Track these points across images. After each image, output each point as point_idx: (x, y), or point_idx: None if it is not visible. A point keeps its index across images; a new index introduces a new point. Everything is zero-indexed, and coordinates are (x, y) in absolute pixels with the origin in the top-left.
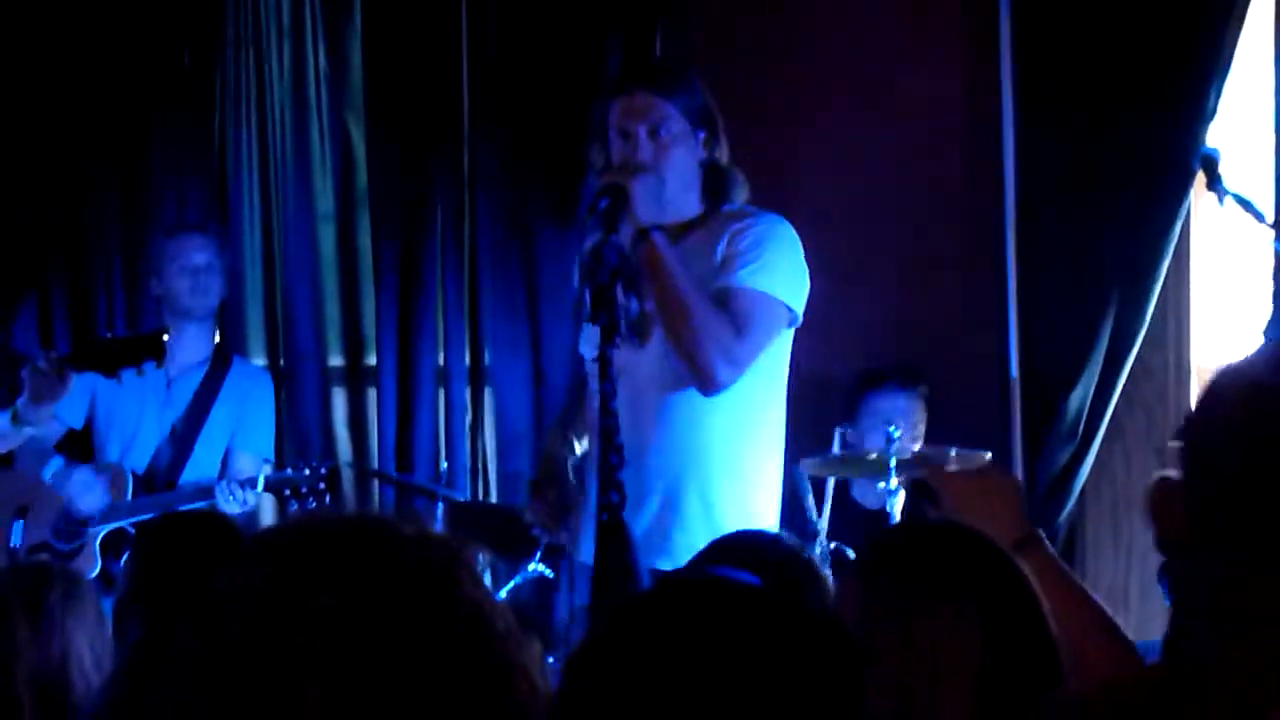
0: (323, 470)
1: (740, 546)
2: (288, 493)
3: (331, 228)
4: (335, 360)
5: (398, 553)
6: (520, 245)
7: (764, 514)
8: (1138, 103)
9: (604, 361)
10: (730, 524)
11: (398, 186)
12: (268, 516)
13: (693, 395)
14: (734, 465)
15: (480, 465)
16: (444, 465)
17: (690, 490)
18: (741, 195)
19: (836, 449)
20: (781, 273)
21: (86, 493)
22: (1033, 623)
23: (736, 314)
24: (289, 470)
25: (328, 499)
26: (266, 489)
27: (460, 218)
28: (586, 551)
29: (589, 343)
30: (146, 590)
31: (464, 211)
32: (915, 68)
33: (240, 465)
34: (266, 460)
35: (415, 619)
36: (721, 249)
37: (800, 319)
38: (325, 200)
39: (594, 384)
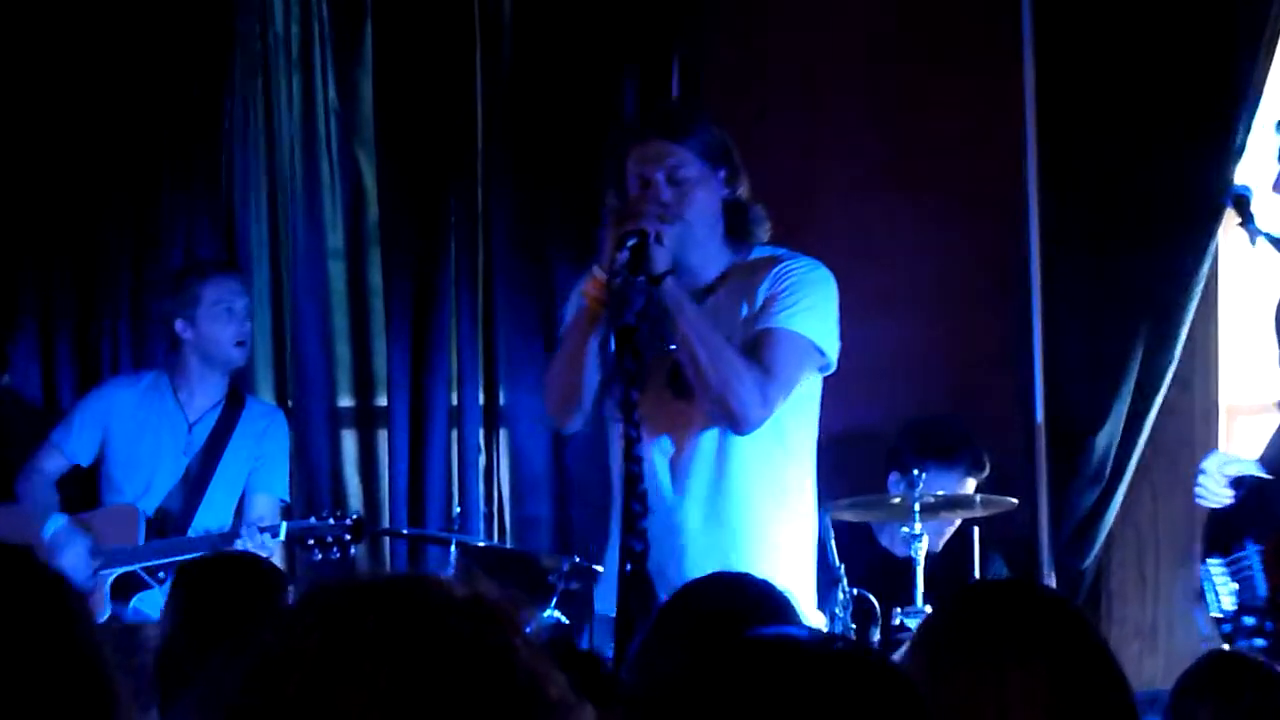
0: (348, 521)
1: (712, 588)
2: (310, 542)
3: (341, 264)
4: (345, 401)
5: (453, 618)
6: (536, 281)
7: (799, 559)
8: (1165, 139)
9: (627, 405)
10: (765, 566)
11: (409, 222)
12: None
13: (724, 439)
14: (765, 514)
15: (495, 509)
16: (457, 510)
17: (721, 534)
18: (764, 231)
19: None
20: (816, 315)
21: (75, 567)
22: (1109, 690)
23: (766, 353)
24: (313, 519)
25: (352, 550)
26: (290, 538)
27: (474, 253)
28: (607, 602)
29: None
30: (194, 636)
31: (478, 247)
32: (939, 104)
33: (257, 508)
34: (283, 501)
35: (471, 687)
36: (762, 294)
37: (833, 365)
38: (335, 236)
39: (617, 428)
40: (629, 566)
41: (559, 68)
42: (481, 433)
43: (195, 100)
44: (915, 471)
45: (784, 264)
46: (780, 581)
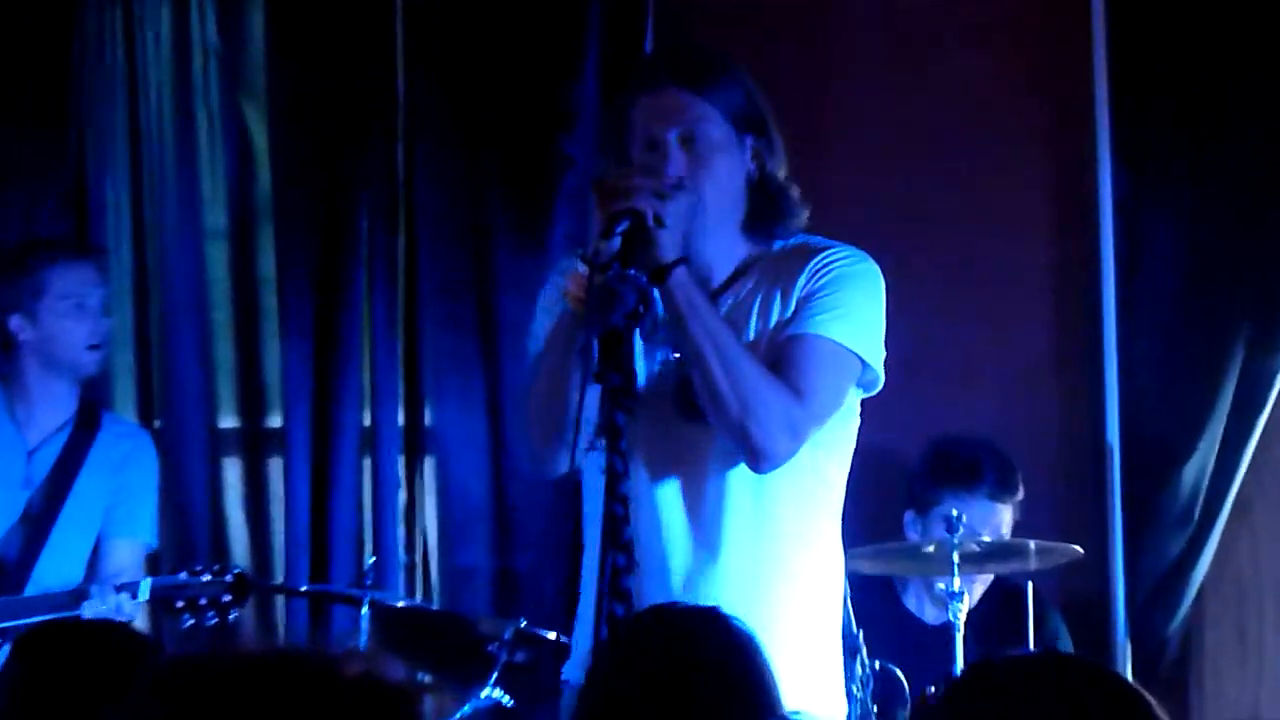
0: (227, 577)
1: (670, 622)
2: (180, 604)
3: (223, 248)
4: (228, 421)
5: (332, 708)
6: (472, 268)
7: (830, 635)
8: (1259, 94)
9: (611, 431)
10: (788, 645)
11: (310, 193)
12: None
13: (737, 476)
14: (792, 569)
15: (420, 559)
16: (371, 559)
17: (743, 600)
18: (798, 224)
19: (912, 536)
20: (862, 321)
21: None
22: None
23: (798, 367)
24: (183, 575)
25: (233, 615)
26: (153, 599)
27: (393, 235)
28: (579, 671)
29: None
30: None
31: (398, 225)
32: (986, 55)
33: (116, 558)
34: (148, 547)
35: None
36: (796, 294)
37: (880, 382)
38: (215, 212)
39: (598, 460)
40: (606, 633)
41: (507, 3)
42: (402, 461)
43: (31, 32)
44: (951, 511)
45: (823, 255)
46: (812, 663)
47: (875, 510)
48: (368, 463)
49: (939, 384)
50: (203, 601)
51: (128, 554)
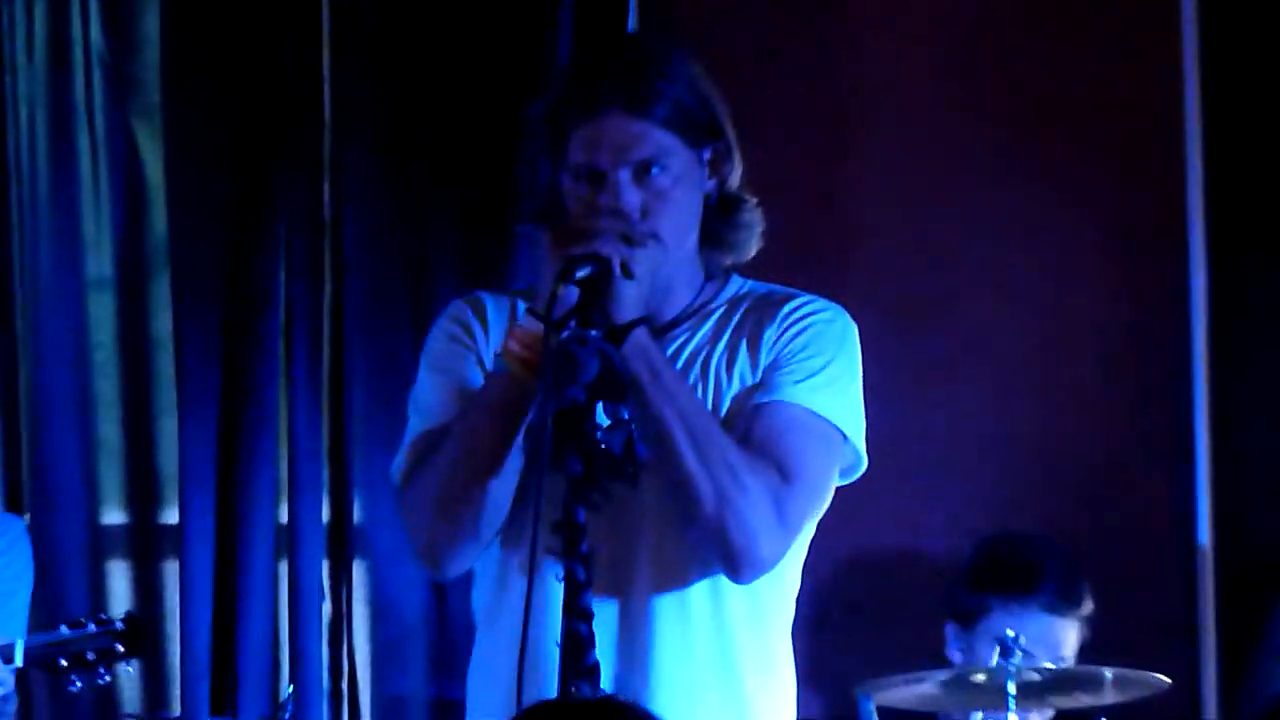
0: (116, 625)
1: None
2: (64, 663)
3: (108, 300)
4: (112, 516)
5: None
6: (413, 323)
7: None
8: None
9: (571, 531)
10: None
11: (216, 234)
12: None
13: (712, 584)
14: (762, 683)
15: (347, 685)
16: (288, 688)
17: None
18: (755, 242)
19: (955, 656)
20: (844, 391)
21: None
22: None
23: (779, 444)
24: (63, 629)
25: (129, 665)
26: (31, 662)
27: (318, 284)
28: None
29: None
30: None
31: (323, 272)
32: (1062, 68)
33: None
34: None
35: None
36: (765, 350)
37: (862, 466)
38: (99, 257)
39: (511, 557)
40: None
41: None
42: (326, 567)
43: None
44: (1006, 630)
45: (795, 307)
46: None
47: (912, 631)
48: (284, 567)
49: (993, 474)
50: (90, 656)
51: None
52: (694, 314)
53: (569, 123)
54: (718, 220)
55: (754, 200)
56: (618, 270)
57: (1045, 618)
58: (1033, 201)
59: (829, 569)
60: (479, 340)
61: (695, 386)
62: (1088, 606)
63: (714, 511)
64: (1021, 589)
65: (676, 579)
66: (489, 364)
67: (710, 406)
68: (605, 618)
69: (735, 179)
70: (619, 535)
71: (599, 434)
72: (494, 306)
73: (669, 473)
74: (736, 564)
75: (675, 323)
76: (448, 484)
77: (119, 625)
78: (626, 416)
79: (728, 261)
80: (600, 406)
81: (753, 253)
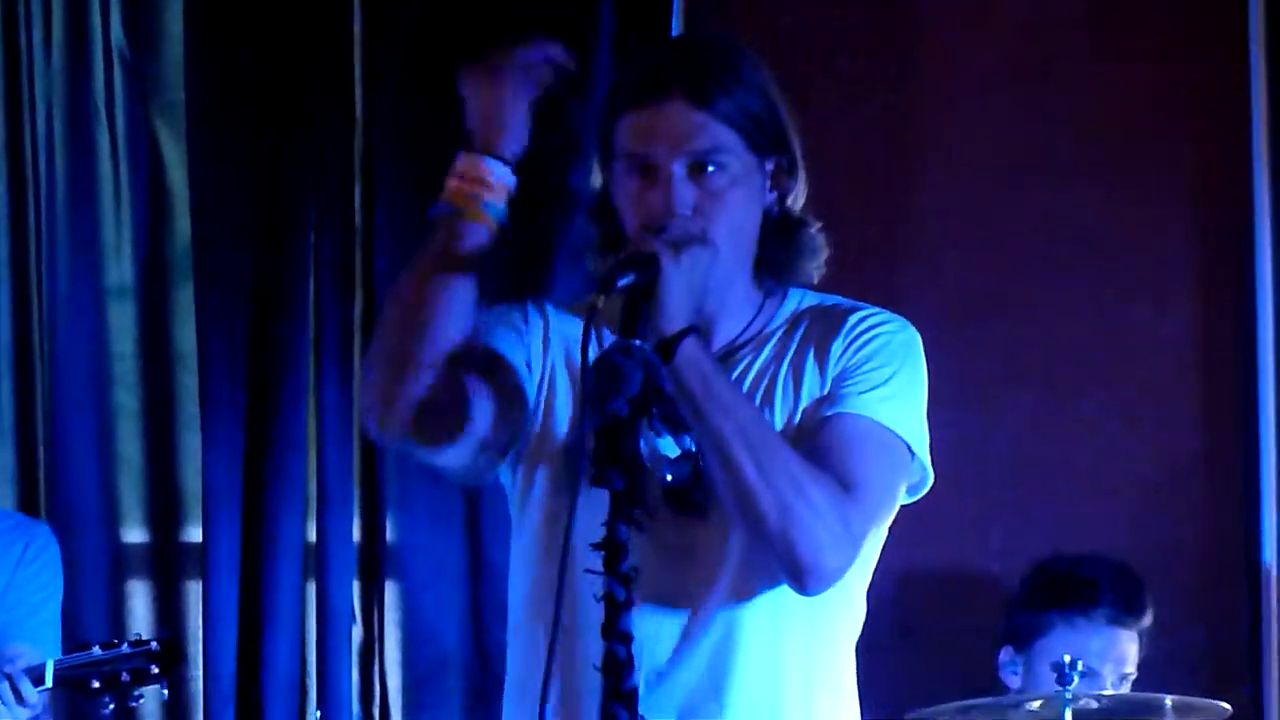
0: (153, 646)
1: None
2: (97, 685)
3: (129, 311)
4: (134, 534)
5: None
6: None
7: None
8: None
9: (613, 550)
10: None
11: (242, 240)
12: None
13: (768, 605)
14: (832, 702)
15: (378, 712)
16: (315, 715)
17: None
18: (817, 270)
19: (1010, 681)
20: (910, 405)
21: None
22: None
23: (842, 455)
24: (95, 650)
25: (164, 688)
26: (62, 683)
27: (348, 293)
28: None
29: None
30: None
31: (354, 286)
32: (1127, 77)
33: (14, 654)
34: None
35: None
36: (833, 365)
37: (929, 483)
38: (119, 264)
39: (588, 588)
40: None
41: None
42: (357, 588)
43: None
44: (1063, 656)
45: (861, 319)
46: None
47: (966, 656)
48: (312, 589)
49: (1052, 494)
50: (125, 678)
51: (28, 656)
52: (754, 337)
53: (625, 105)
54: (777, 241)
55: (818, 224)
56: (665, 272)
57: (1109, 630)
58: (1096, 212)
59: (880, 591)
60: (534, 333)
61: (761, 409)
62: (1148, 619)
63: (777, 523)
64: (1086, 602)
65: (744, 594)
66: (535, 367)
67: (781, 427)
68: (669, 632)
69: (799, 200)
70: (685, 557)
71: (666, 468)
72: (556, 316)
73: (730, 486)
74: (802, 576)
75: (736, 347)
76: (396, 338)
77: (154, 646)
78: (692, 447)
79: (784, 286)
80: (668, 438)
81: (815, 280)
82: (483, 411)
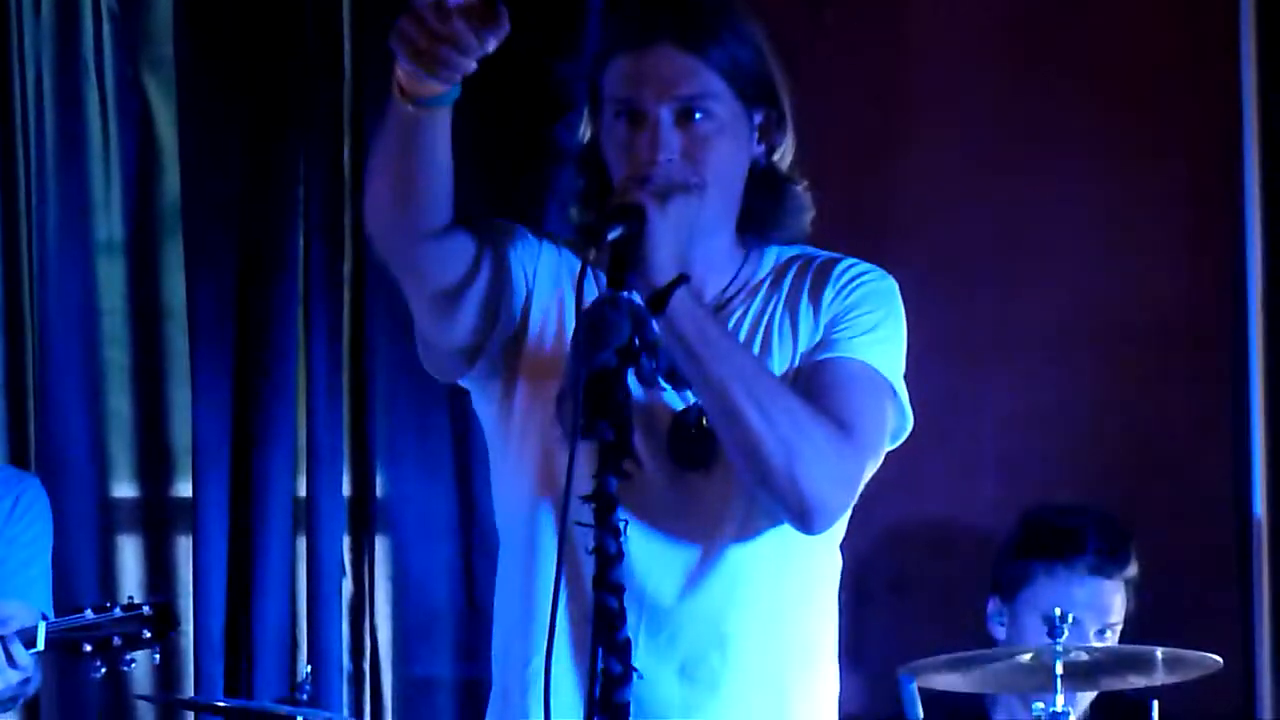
0: (145, 609)
1: None
2: (89, 648)
3: (119, 266)
4: (124, 489)
5: None
6: None
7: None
8: None
9: (603, 501)
10: None
11: (231, 198)
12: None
13: (782, 539)
14: (810, 661)
15: (368, 667)
16: (306, 668)
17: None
18: (804, 223)
19: (997, 632)
20: (895, 349)
21: None
22: None
23: (835, 395)
24: (88, 612)
25: (155, 653)
26: (54, 646)
27: (338, 247)
28: None
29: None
30: None
31: (343, 241)
32: (1123, 35)
33: (6, 615)
34: (45, 618)
35: None
36: (824, 313)
37: (909, 427)
38: (108, 219)
39: (583, 539)
40: None
41: None
42: (347, 542)
43: None
44: (1053, 608)
45: (847, 268)
46: None
47: (958, 609)
48: (302, 543)
49: (1043, 448)
50: (117, 642)
51: (21, 615)
52: (742, 288)
53: (613, 52)
54: (763, 198)
55: (805, 183)
56: (651, 222)
57: (1092, 580)
58: (1086, 172)
59: (872, 545)
60: (531, 249)
61: (761, 357)
62: (1133, 568)
63: (784, 465)
64: (1068, 552)
65: (747, 537)
66: (526, 277)
67: (780, 371)
68: (675, 574)
69: (787, 157)
70: (690, 508)
71: (672, 419)
72: (552, 248)
73: (733, 432)
74: (808, 515)
75: (728, 299)
76: (382, 171)
77: (146, 610)
78: (696, 401)
79: (765, 242)
80: (656, 378)
81: (801, 239)
82: (476, 258)
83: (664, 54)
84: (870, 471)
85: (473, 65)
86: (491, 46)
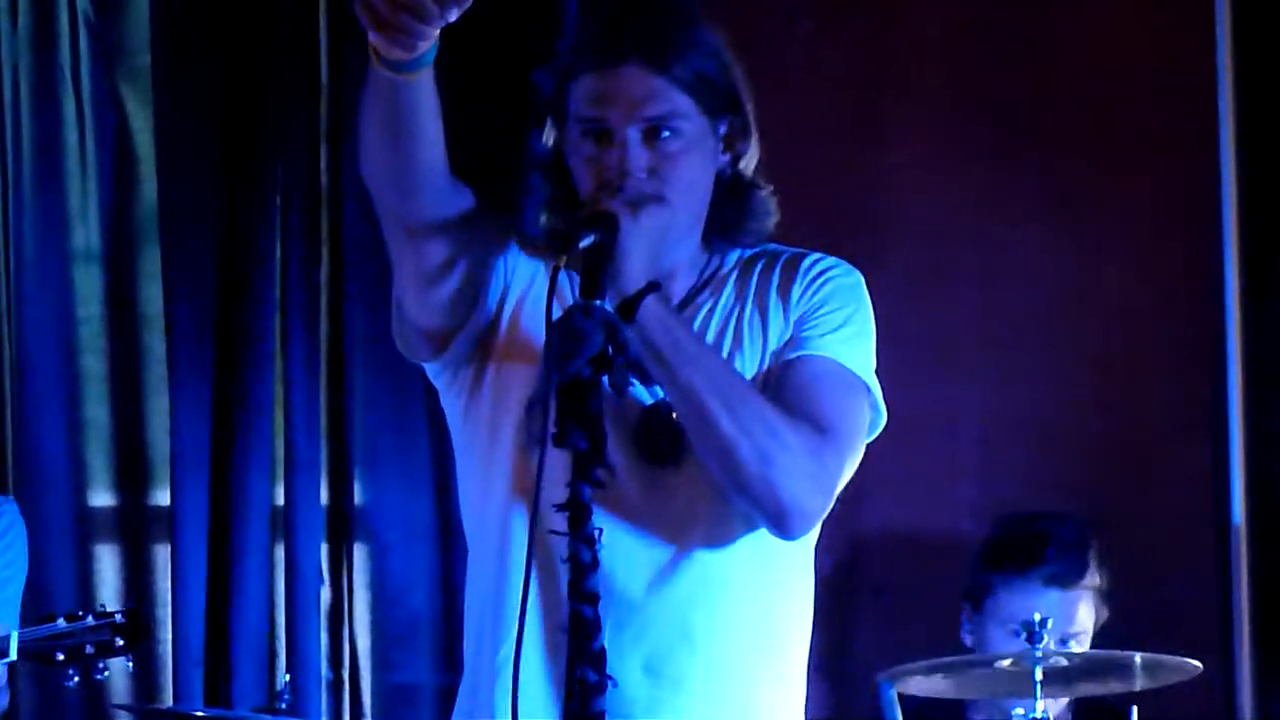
0: (117, 617)
1: None
2: (61, 657)
3: (96, 274)
4: (101, 497)
5: None
6: None
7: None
8: None
9: (577, 510)
10: None
11: (208, 204)
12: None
13: (756, 541)
14: (780, 663)
15: (347, 675)
16: (285, 677)
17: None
18: (768, 226)
19: (965, 638)
20: (866, 346)
21: None
22: None
23: (810, 396)
24: (60, 622)
25: (129, 660)
26: (26, 657)
27: (314, 255)
28: None
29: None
30: None
31: (320, 249)
32: (1091, 38)
33: None
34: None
35: None
36: (793, 309)
37: (882, 422)
38: (85, 228)
39: (558, 549)
40: None
41: None
42: (325, 551)
43: None
44: (1014, 618)
45: (814, 264)
46: None
47: (939, 615)
48: (280, 552)
49: (1023, 452)
50: (88, 650)
51: None
52: (708, 283)
53: (580, 70)
54: (729, 204)
55: (769, 188)
56: (623, 232)
57: (1049, 592)
58: (1062, 174)
59: (852, 549)
60: (507, 256)
61: (731, 353)
62: (1095, 577)
63: (758, 470)
64: (1025, 564)
65: (721, 539)
66: (498, 284)
67: (753, 368)
68: (645, 570)
69: (751, 162)
70: (660, 511)
71: (641, 414)
72: (525, 257)
73: (705, 438)
74: (785, 519)
75: (693, 293)
76: (370, 131)
77: (119, 618)
78: (665, 396)
79: (731, 245)
80: (628, 386)
81: (765, 240)
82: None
83: (630, 74)
84: (849, 471)
85: (434, 33)
86: (453, 16)
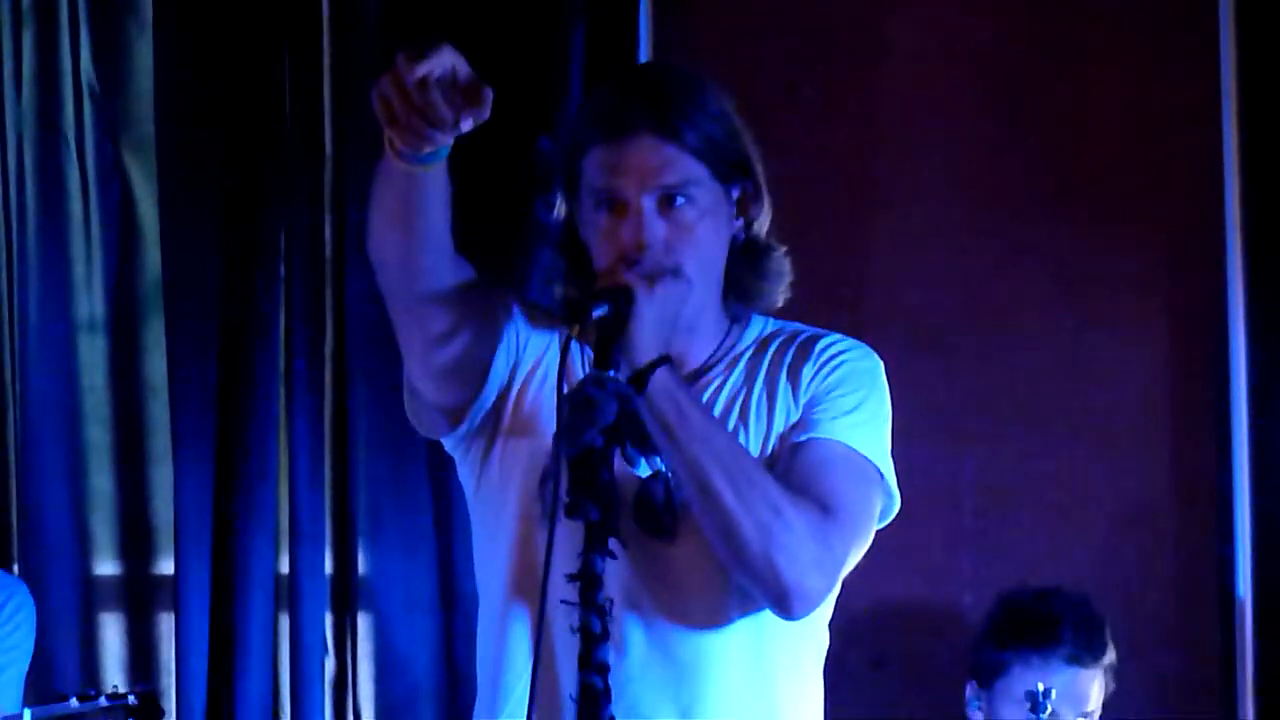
0: (130, 699)
1: None
2: None
3: (100, 342)
4: (105, 567)
5: None
6: None
7: None
8: None
9: (589, 581)
10: None
11: (213, 273)
12: None
13: (744, 630)
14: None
15: None
16: None
17: None
18: (782, 293)
19: (975, 717)
20: (878, 431)
21: None
22: None
23: (818, 478)
24: (73, 701)
25: None
26: None
27: (319, 325)
28: None
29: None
30: None
31: (325, 318)
32: (1094, 102)
33: None
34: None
35: None
36: (804, 390)
37: (896, 508)
38: (90, 298)
39: (565, 619)
40: None
41: (465, 22)
42: (329, 620)
43: None
44: (1036, 685)
45: (828, 344)
46: None
47: (937, 687)
48: (285, 621)
49: (1024, 523)
50: None
51: None
52: (723, 358)
53: (591, 141)
54: (744, 267)
55: (783, 249)
56: (639, 304)
57: (1068, 670)
58: (1063, 246)
59: (852, 622)
60: (517, 327)
61: (736, 430)
62: (1111, 655)
63: (760, 549)
64: (1044, 642)
65: (720, 619)
66: (509, 358)
67: (757, 449)
68: (639, 644)
69: (764, 224)
70: (656, 583)
71: (638, 486)
72: (536, 329)
73: (709, 513)
74: (787, 600)
75: (705, 369)
76: (379, 217)
77: (132, 700)
78: (664, 467)
79: (748, 311)
80: (639, 458)
81: (780, 303)
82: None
83: (643, 144)
84: (856, 555)
85: (448, 140)
86: (467, 127)
